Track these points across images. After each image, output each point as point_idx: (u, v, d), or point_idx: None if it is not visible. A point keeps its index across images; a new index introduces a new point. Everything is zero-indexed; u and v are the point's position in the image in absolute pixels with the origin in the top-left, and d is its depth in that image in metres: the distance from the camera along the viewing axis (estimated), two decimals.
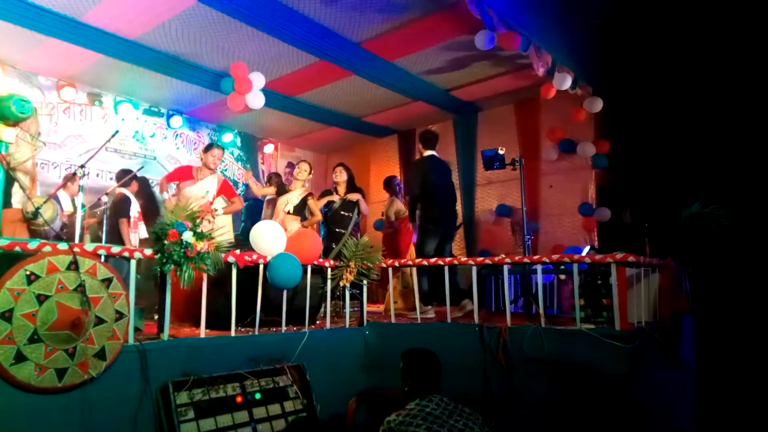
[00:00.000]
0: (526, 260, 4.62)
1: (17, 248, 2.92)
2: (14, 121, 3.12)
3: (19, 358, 2.74)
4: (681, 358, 4.73)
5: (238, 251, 4.13)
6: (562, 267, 5.75)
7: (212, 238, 3.66)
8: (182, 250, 3.48)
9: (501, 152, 5.66)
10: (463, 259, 5.24)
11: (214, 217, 5.32)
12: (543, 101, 7.50)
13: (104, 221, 5.34)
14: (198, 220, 3.60)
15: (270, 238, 4.32)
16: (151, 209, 6.95)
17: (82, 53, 6.45)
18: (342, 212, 6.48)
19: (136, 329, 3.62)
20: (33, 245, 2.96)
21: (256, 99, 6.22)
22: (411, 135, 9.69)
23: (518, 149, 7.82)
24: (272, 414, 3.71)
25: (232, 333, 3.97)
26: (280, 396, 3.83)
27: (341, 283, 4.80)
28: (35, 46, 6.27)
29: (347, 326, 4.96)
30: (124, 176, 6.28)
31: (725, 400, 5.23)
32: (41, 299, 2.85)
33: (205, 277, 3.77)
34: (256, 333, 4.13)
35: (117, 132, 4.78)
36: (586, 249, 6.45)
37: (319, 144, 10.55)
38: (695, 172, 6.35)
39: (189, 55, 6.64)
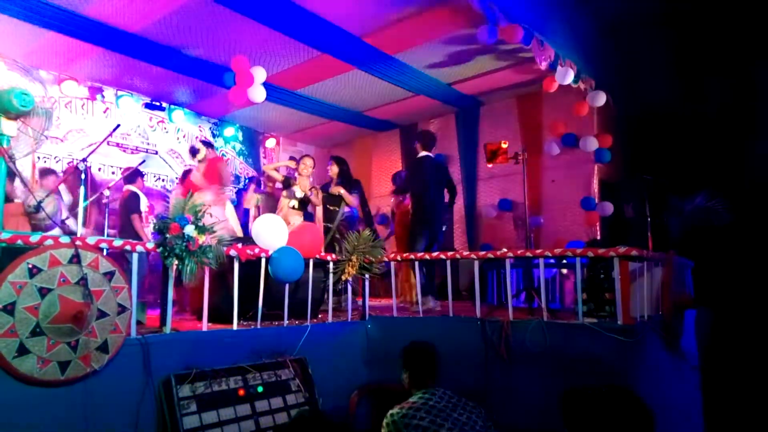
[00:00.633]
0: (528, 254, 4.61)
1: (19, 242, 2.92)
2: (15, 115, 3.11)
3: (22, 351, 2.75)
4: (684, 352, 4.73)
5: (240, 245, 4.13)
6: (565, 261, 5.75)
7: (214, 232, 3.66)
8: (184, 244, 3.48)
9: (504, 146, 5.65)
10: (465, 253, 5.24)
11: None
12: (545, 95, 7.47)
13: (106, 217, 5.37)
14: (200, 214, 3.60)
15: (272, 232, 4.31)
16: None
17: (83, 47, 6.44)
18: (328, 206, 6.47)
19: (138, 322, 3.63)
20: (35, 238, 2.96)
21: (257, 93, 6.20)
22: (413, 129, 9.66)
23: (520, 143, 7.80)
24: (274, 407, 3.72)
25: (235, 326, 3.97)
26: (282, 389, 3.83)
27: (343, 277, 4.80)
28: (36, 40, 6.26)
29: (349, 320, 4.97)
30: (133, 175, 6.34)
31: (729, 394, 5.23)
32: (43, 292, 2.85)
33: (207, 270, 3.77)
34: (258, 326, 4.14)
35: (118, 126, 4.77)
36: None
37: (321, 138, 10.53)
38: (698, 165, 6.33)
39: (190, 48, 6.62)
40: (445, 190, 6.22)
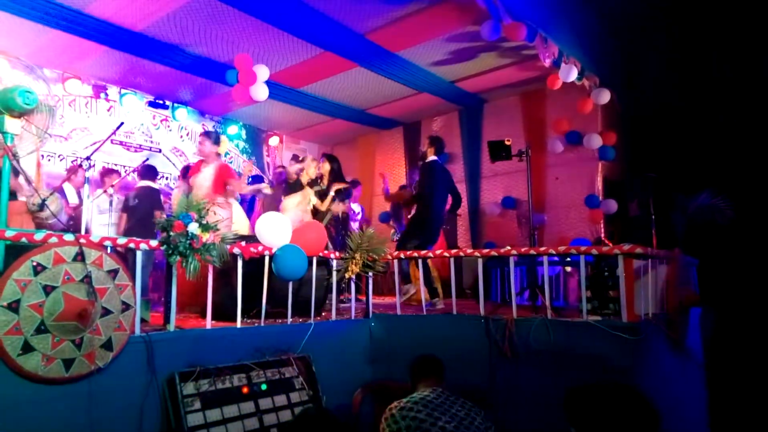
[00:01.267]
0: (532, 252, 4.60)
1: (24, 239, 2.93)
2: (19, 113, 3.12)
3: (26, 348, 2.75)
4: (688, 350, 4.71)
5: (243, 243, 4.13)
6: (569, 259, 5.74)
7: (218, 230, 3.66)
8: (188, 242, 3.47)
9: (507, 143, 5.64)
10: (469, 250, 5.23)
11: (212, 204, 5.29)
12: (549, 92, 7.45)
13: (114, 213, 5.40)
14: (204, 211, 3.60)
15: (275, 230, 4.31)
16: None
17: (87, 45, 6.45)
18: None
19: (143, 320, 3.64)
20: (39, 236, 2.96)
21: (260, 91, 6.20)
22: (416, 127, 9.66)
23: (524, 141, 7.78)
24: (278, 405, 3.72)
25: (238, 324, 3.97)
26: (286, 387, 3.83)
27: (347, 275, 4.79)
28: (40, 39, 6.27)
29: (353, 318, 4.96)
30: (148, 172, 6.37)
31: (734, 392, 5.22)
32: (48, 290, 2.86)
33: (210, 268, 3.77)
34: (262, 324, 4.14)
35: (122, 124, 4.77)
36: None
37: (324, 136, 10.53)
38: (703, 163, 6.30)
39: (193, 46, 6.63)
40: (449, 197, 6.21)
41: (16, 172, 3.70)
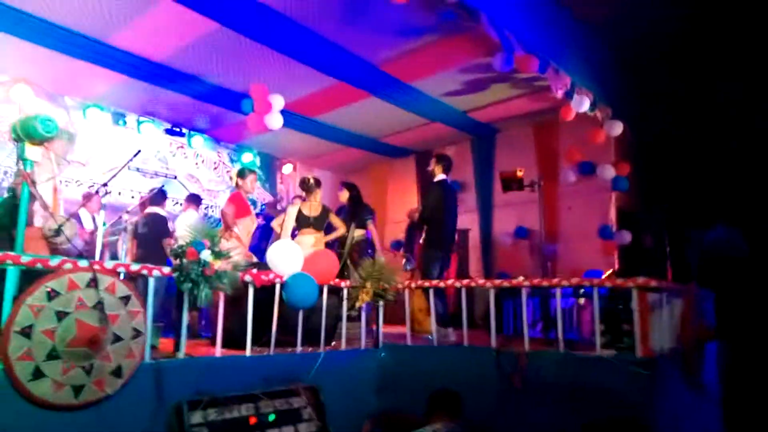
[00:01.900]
0: (544, 284, 4.56)
1: (39, 265, 2.96)
2: (39, 140, 3.18)
3: (37, 374, 2.76)
4: (704, 385, 4.61)
5: (255, 270, 4.14)
6: (582, 291, 5.67)
7: (230, 257, 3.68)
8: (200, 269, 3.49)
9: (519, 175, 5.64)
10: (481, 281, 5.20)
11: (231, 236, 5.30)
12: (562, 123, 7.45)
13: (123, 240, 5.41)
14: (216, 239, 3.62)
15: (287, 258, 4.32)
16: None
17: (108, 74, 6.61)
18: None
19: (153, 347, 3.64)
20: (54, 262, 3.00)
21: (275, 120, 6.28)
22: (429, 156, 9.67)
23: (537, 171, 7.77)
24: None
25: (248, 353, 3.96)
26: (294, 418, 3.80)
27: (357, 304, 4.78)
28: (62, 68, 6.44)
29: (363, 347, 4.93)
30: (156, 198, 6.33)
31: (750, 429, 5.07)
32: (61, 316, 2.88)
33: (222, 296, 3.78)
34: (271, 353, 4.12)
35: (139, 151, 4.84)
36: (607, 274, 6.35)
37: (337, 164, 10.61)
38: (716, 195, 6.25)
39: (210, 76, 6.77)
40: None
41: (32, 198, 3.76)
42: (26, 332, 2.75)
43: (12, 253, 2.93)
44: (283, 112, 6.40)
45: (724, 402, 5.14)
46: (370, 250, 6.48)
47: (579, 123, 7.14)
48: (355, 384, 4.57)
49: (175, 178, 8.66)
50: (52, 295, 2.86)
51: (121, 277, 3.27)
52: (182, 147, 8.77)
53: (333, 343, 4.94)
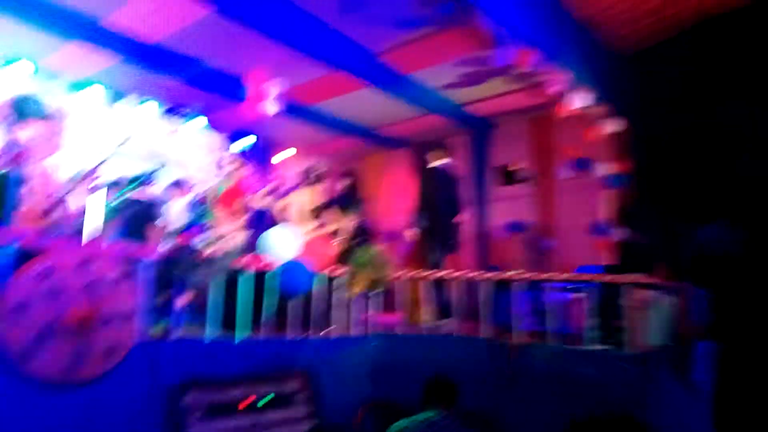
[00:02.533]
0: (538, 277, 4.57)
1: (32, 245, 2.93)
2: (32, 121, 3.15)
3: (31, 353, 2.74)
4: (694, 383, 4.64)
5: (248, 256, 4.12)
6: (574, 286, 5.68)
7: (223, 243, 3.66)
8: (192, 254, 3.47)
9: (513, 169, 5.63)
10: (475, 274, 5.20)
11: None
12: (558, 119, 7.45)
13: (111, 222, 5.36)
14: (209, 223, 3.60)
15: (281, 245, 4.30)
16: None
17: (102, 56, 6.54)
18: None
19: (146, 330, 3.62)
20: (48, 243, 2.97)
21: (271, 107, 6.23)
22: (425, 147, 9.66)
23: (533, 166, 7.77)
24: (278, 420, 3.68)
25: (241, 337, 3.95)
26: (286, 402, 3.80)
27: (349, 293, 4.77)
28: (57, 47, 6.36)
29: (355, 335, 4.93)
30: (143, 183, 6.25)
31: (740, 427, 5.11)
32: (54, 295, 2.86)
33: (215, 280, 3.76)
34: (265, 338, 4.11)
35: (131, 135, 4.81)
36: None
37: (333, 154, 10.55)
38: (714, 193, 6.26)
39: (207, 61, 6.70)
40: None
41: (26, 179, 3.73)
42: (20, 311, 2.73)
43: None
44: (279, 99, 6.35)
45: (715, 399, 5.18)
46: (366, 238, 6.48)
47: (576, 119, 7.13)
48: (347, 371, 4.59)
49: (168, 163, 8.58)
50: (45, 274, 2.84)
51: (113, 258, 3.24)
52: (177, 132, 8.68)
53: (326, 330, 4.94)
